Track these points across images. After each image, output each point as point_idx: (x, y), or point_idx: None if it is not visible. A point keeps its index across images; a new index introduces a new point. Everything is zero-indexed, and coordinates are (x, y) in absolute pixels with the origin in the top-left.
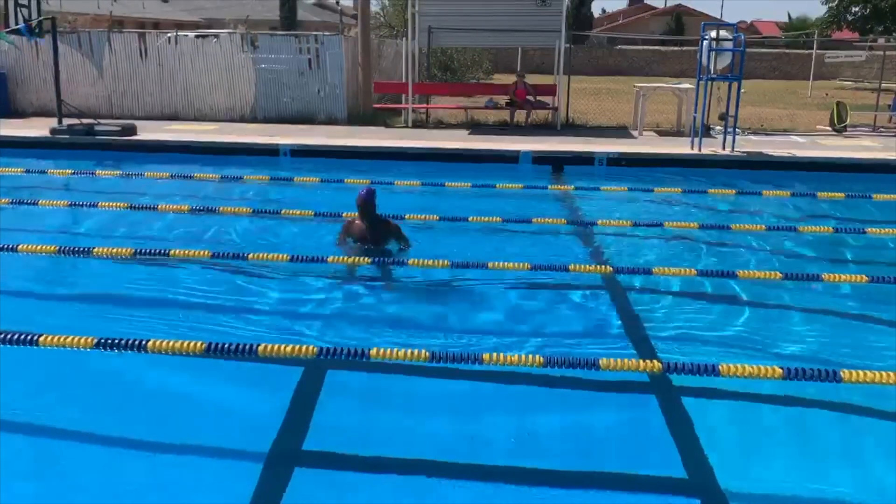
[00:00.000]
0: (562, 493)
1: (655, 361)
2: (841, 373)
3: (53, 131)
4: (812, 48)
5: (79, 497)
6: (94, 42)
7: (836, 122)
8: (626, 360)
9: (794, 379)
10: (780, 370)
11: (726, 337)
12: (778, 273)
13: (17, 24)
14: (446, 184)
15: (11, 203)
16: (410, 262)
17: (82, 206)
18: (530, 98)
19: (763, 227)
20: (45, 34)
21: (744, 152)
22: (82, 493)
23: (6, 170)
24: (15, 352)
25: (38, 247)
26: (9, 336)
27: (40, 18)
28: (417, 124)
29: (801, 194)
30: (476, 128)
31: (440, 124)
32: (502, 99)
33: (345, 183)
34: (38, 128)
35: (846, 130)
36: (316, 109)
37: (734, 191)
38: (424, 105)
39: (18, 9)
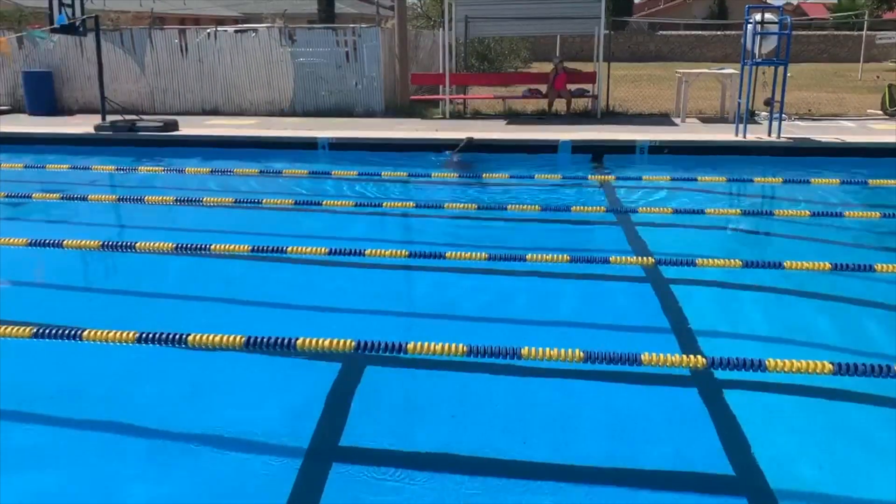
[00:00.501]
0: (604, 489)
1: (699, 356)
2: (895, 367)
3: (97, 128)
4: (862, 29)
5: (118, 488)
6: (135, 39)
7: (888, 105)
8: (668, 356)
9: (846, 374)
10: (831, 365)
11: (773, 330)
12: (827, 264)
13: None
14: (484, 175)
15: (61, 199)
16: (448, 254)
17: (126, 201)
18: (569, 86)
19: (809, 213)
20: (88, 32)
21: (790, 138)
22: (121, 484)
23: (53, 166)
24: (60, 346)
25: (83, 242)
26: (54, 331)
27: (83, 17)
28: (455, 115)
29: (852, 182)
30: (514, 117)
31: (478, 115)
32: (542, 87)
33: (382, 175)
34: (82, 125)
35: None
36: (354, 102)
37: (780, 178)
38: (462, 96)
39: (62, 8)
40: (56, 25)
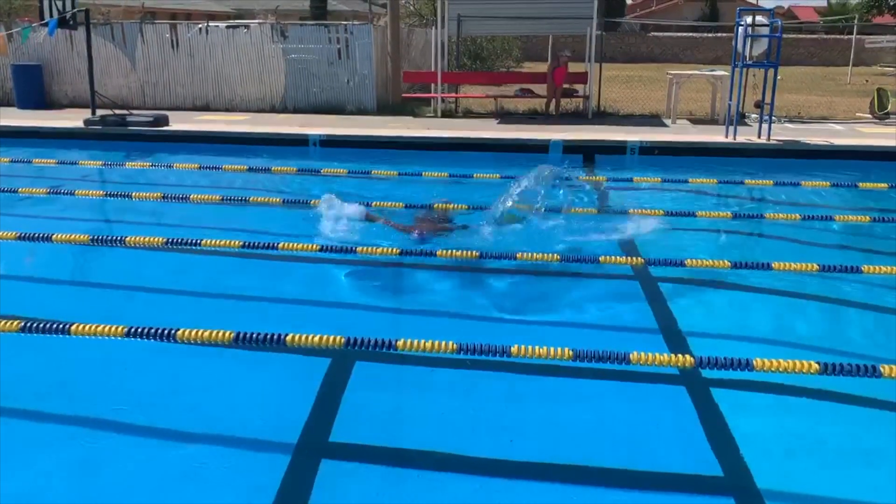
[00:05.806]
0: (591, 488)
1: (687, 356)
2: (880, 368)
3: (87, 122)
4: (852, 33)
5: (105, 483)
6: (126, 33)
7: (876, 108)
8: (657, 355)
9: (832, 374)
10: (817, 365)
11: (761, 330)
12: (815, 265)
13: (50, 16)
14: (475, 175)
15: (47, 193)
16: (438, 252)
17: (115, 196)
18: (566, 85)
19: (798, 216)
20: (78, 26)
21: (780, 140)
22: (108, 479)
23: (41, 160)
24: (47, 340)
25: (72, 236)
26: (42, 325)
27: (74, 10)
28: (446, 114)
29: (841, 184)
30: (505, 117)
31: (469, 114)
32: (534, 87)
33: (372, 173)
34: (72, 119)
35: (888, 118)
36: (345, 99)
37: (770, 180)
38: (454, 94)
39: (52, 1)
40: (48, 30)
